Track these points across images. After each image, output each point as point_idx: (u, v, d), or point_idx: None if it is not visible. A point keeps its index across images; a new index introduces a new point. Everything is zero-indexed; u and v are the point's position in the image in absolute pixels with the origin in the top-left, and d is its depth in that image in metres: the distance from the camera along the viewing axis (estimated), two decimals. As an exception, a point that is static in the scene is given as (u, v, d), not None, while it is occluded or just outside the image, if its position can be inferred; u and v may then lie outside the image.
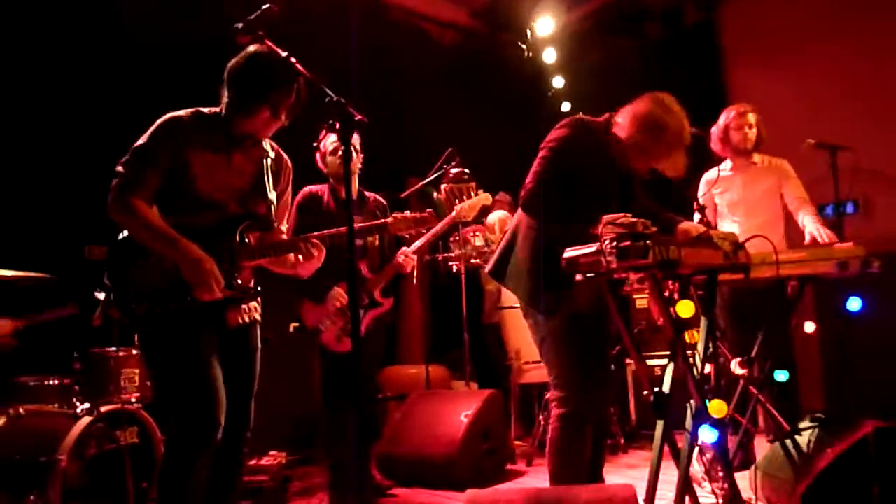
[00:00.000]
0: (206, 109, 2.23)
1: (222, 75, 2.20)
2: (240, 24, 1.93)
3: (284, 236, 2.42)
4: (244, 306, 2.28)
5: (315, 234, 2.33)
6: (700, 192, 3.71)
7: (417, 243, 3.45)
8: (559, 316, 2.45)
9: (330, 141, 3.39)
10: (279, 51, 1.95)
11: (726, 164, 3.73)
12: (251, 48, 2.12)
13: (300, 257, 2.30)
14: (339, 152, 3.30)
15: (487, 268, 2.72)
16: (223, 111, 2.22)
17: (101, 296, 2.35)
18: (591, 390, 2.46)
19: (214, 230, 2.18)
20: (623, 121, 2.50)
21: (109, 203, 2.09)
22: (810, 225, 3.36)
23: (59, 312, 3.18)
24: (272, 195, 2.33)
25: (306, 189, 3.44)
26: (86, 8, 3.85)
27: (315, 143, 3.43)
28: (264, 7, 1.91)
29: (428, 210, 2.75)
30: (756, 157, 3.69)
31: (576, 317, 2.43)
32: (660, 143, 2.45)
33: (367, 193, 3.53)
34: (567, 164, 2.43)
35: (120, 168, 2.11)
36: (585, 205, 2.32)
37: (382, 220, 2.74)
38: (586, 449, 2.47)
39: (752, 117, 3.62)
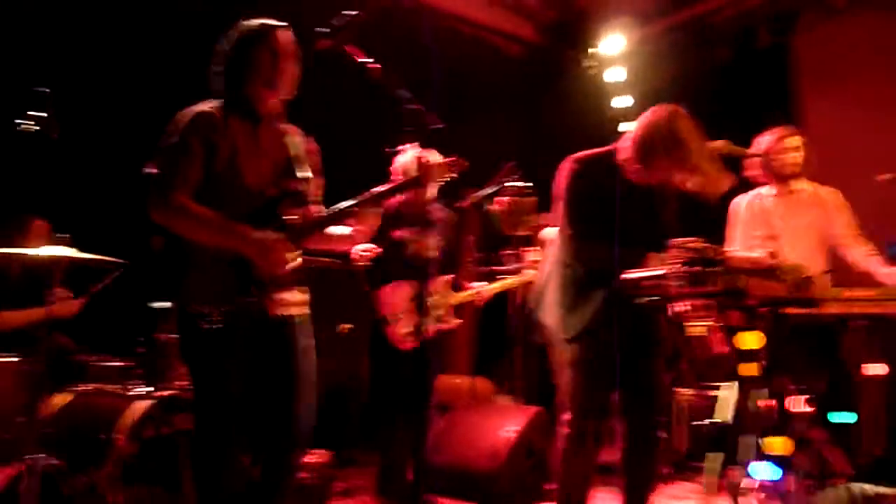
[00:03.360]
0: (220, 102, 2.14)
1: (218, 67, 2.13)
2: (325, 29, 1.92)
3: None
4: (287, 296, 2.16)
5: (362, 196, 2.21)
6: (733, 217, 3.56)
7: (494, 287, 3.66)
8: (578, 343, 2.51)
9: (410, 153, 3.30)
10: (363, 58, 1.93)
11: (769, 191, 3.49)
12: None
13: (344, 231, 2.26)
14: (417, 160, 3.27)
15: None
16: (240, 93, 2.13)
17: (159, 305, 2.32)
18: (588, 415, 2.53)
19: (257, 217, 2.08)
20: (624, 142, 2.53)
21: (149, 204, 2.00)
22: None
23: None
24: (303, 173, 2.25)
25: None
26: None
27: (391, 150, 3.41)
28: (351, 13, 1.89)
29: (454, 156, 2.46)
30: (800, 185, 3.43)
31: (590, 344, 2.48)
32: (654, 153, 2.42)
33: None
34: (582, 204, 2.52)
35: (152, 169, 2.02)
36: (609, 233, 2.36)
37: (415, 176, 2.47)
38: (586, 466, 2.57)
39: (796, 140, 3.39)
